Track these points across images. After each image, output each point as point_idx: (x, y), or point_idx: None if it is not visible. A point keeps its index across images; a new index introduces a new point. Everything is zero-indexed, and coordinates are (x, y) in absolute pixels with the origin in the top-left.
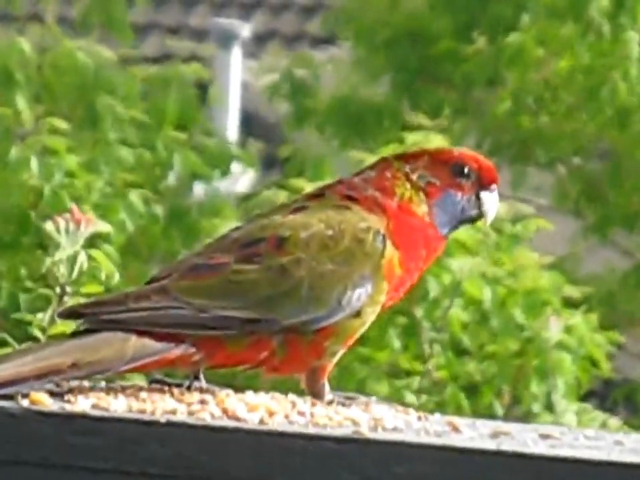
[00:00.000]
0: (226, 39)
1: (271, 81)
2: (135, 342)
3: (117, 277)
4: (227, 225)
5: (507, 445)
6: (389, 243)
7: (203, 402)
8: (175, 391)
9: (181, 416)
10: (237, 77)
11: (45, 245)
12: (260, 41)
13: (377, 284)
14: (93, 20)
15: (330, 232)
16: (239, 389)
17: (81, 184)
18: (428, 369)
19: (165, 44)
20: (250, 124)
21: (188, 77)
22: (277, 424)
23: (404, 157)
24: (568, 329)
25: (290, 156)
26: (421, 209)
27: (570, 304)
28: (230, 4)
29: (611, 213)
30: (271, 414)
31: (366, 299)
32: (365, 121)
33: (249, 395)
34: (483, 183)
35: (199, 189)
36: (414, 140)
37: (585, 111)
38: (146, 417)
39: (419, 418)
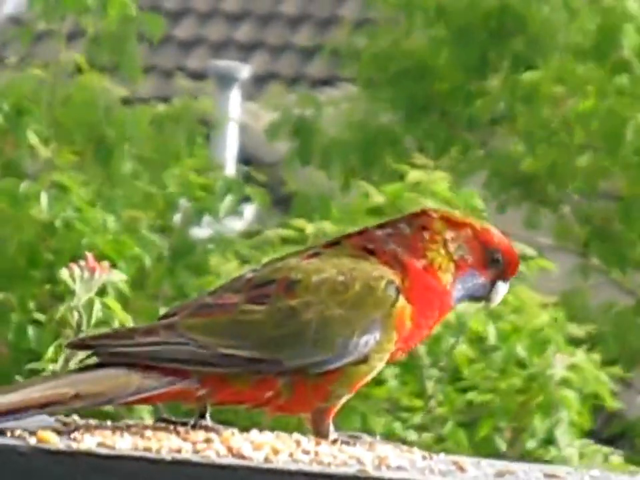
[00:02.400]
0: (225, 81)
1: (272, 119)
2: (139, 375)
3: (131, 324)
4: (232, 261)
5: None
6: (401, 296)
7: (208, 440)
8: (180, 429)
9: (186, 454)
10: (236, 118)
11: (55, 282)
12: (259, 82)
13: (386, 332)
14: (103, 58)
15: (341, 277)
16: (243, 428)
17: (93, 219)
18: (430, 405)
19: (162, 86)
20: (249, 165)
21: (194, 114)
22: (281, 462)
23: (448, 221)
24: (572, 367)
25: (295, 196)
26: (446, 277)
27: (573, 342)
28: (229, 45)
29: (624, 253)
30: (276, 452)
31: (374, 345)
32: (372, 149)
33: (254, 433)
34: (504, 275)
35: (202, 229)
36: (415, 177)
37: (604, 151)
38: (151, 455)
39: (424, 457)
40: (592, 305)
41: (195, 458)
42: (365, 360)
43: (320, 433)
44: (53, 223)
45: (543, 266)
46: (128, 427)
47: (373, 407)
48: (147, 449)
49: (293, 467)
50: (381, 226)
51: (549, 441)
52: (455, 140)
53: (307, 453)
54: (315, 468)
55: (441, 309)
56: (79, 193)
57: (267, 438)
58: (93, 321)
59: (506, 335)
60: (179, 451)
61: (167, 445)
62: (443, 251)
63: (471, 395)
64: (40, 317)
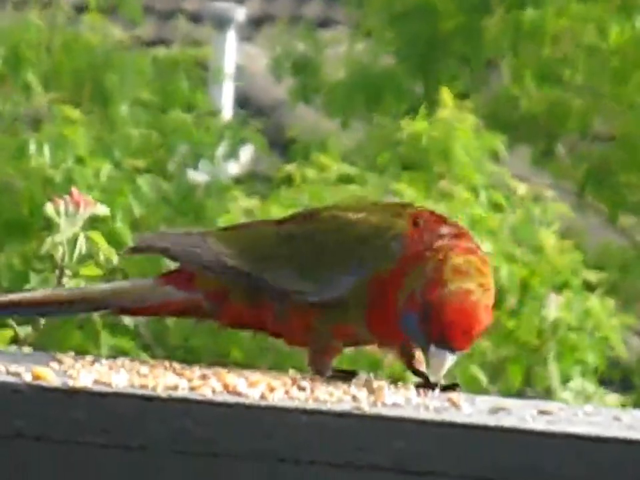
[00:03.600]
0: (221, 23)
1: (274, 55)
2: (149, 285)
3: (116, 259)
4: (231, 205)
5: (505, 421)
6: (390, 266)
7: (204, 377)
8: (177, 366)
9: (182, 391)
10: (232, 60)
11: (50, 227)
12: (255, 25)
13: (366, 281)
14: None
15: (353, 217)
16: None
17: (91, 170)
18: None
19: (159, 29)
20: (245, 107)
21: (192, 60)
22: (277, 399)
23: (451, 255)
24: (586, 312)
25: (295, 137)
26: (400, 301)
27: (587, 287)
28: None
29: (622, 197)
30: (272, 389)
31: (353, 289)
32: (374, 92)
33: (250, 371)
34: (434, 338)
35: (200, 173)
36: (443, 119)
37: (605, 90)
38: (147, 393)
39: (419, 394)
40: (589, 247)
41: (191, 395)
42: (345, 303)
43: (317, 371)
44: (54, 176)
45: (561, 211)
46: (124, 364)
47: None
48: (143, 386)
49: (289, 404)
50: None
51: (562, 388)
52: (457, 81)
53: (302, 390)
54: (311, 405)
55: (390, 324)
56: (79, 142)
57: (262, 375)
58: (77, 254)
59: (524, 278)
60: (175, 388)
61: (163, 382)
62: (414, 276)
63: (485, 345)
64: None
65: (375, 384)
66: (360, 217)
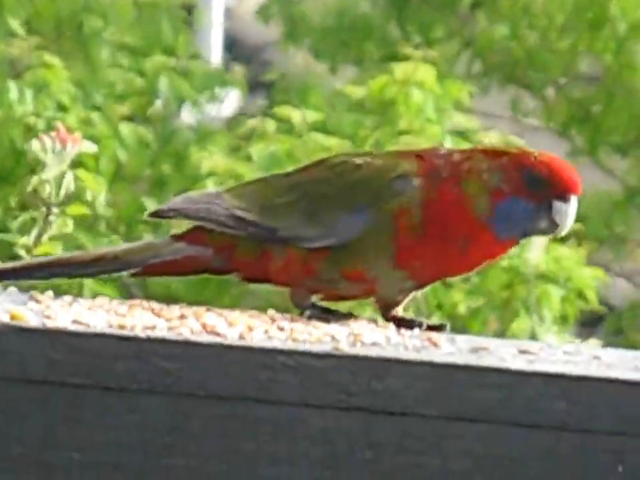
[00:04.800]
0: None
1: (260, 1)
2: (168, 241)
3: (102, 198)
4: (215, 148)
5: (485, 360)
6: (415, 200)
7: (182, 317)
8: (155, 306)
9: (161, 331)
10: (221, 3)
11: (34, 170)
12: None
13: (378, 224)
14: None
15: (359, 161)
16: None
17: (74, 117)
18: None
19: None
20: (233, 49)
21: (175, 1)
22: (256, 339)
23: (488, 153)
24: (555, 260)
25: (276, 81)
26: (479, 208)
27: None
28: None
29: (602, 136)
30: (251, 329)
31: (361, 233)
32: (352, 37)
33: (229, 311)
34: (555, 192)
35: (186, 114)
36: (403, 71)
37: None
38: (125, 333)
39: (398, 333)
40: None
41: (169, 335)
42: (351, 246)
43: (298, 305)
44: (36, 125)
45: None
46: (102, 305)
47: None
48: (122, 326)
49: (268, 344)
50: (448, 150)
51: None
52: (437, 25)
53: (281, 330)
54: (290, 345)
55: (475, 241)
56: (60, 88)
57: (241, 315)
58: (64, 193)
59: None
60: (153, 328)
61: (141, 322)
62: (477, 182)
63: (456, 297)
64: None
65: (354, 323)
66: (364, 161)
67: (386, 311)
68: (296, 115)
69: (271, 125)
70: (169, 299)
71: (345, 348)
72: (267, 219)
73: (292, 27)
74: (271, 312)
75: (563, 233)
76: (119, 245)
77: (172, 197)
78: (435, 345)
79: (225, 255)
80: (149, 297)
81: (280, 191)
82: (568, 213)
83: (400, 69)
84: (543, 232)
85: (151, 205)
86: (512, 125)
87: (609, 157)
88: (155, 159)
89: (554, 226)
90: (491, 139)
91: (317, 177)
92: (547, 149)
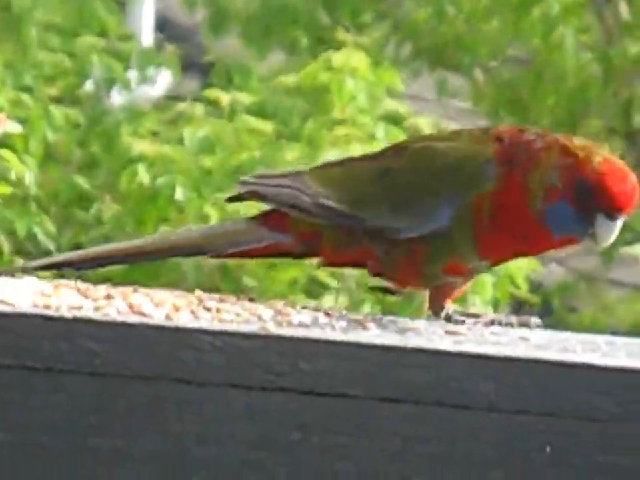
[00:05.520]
0: None
1: None
2: (247, 226)
3: (31, 178)
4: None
5: (412, 341)
6: (491, 189)
7: (109, 297)
8: (81, 286)
9: (87, 311)
10: None
11: None
12: None
13: (462, 212)
14: None
15: (443, 146)
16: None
17: (3, 98)
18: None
19: None
20: (165, 29)
21: None
22: (182, 320)
23: (564, 148)
24: None
25: (213, 63)
26: (533, 203)
27: None
28: None
29: (531, 119)
30: (177, 309)
31: (451, 221)
32: (283, 24)
33: (156, 291)
34: (601, 207)
35: (117, 95)
36: (339, 60)
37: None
38: (51, 313)
39: (326, 314)
40: None
41: (95, 315)
42: (444, 236)
43: (433, 312)
44: None
45: None
46: (28, 285)
47: (292, 286)
48: (47, 307)
49: (194, 324)
50: (537, 133)
51: None
52: (365, 9)
53: (208, 310)
54: (216, 325)
55: (534, 237)
56: None
57: (168, 295)
58: None
59: None
60: (79, 308)
61: (67, 302)
62: (539, 176)
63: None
64: None
65: (282, 304)
66: (449, 146)
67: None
68: (226, 98)
69: (199, 109)
70: (99, 279)
71: (272, 328)
72: (354, 208)
73: (217, 13)
74: (198, 292)
75: (603, 247)
76: (197, 228)
77: (103, 177)
78: (363, 326)
79: (310, 242)
80: (78, 277)
81: (366, 178)
82: (609, 230)
83: (334, 57)
84: (585, 238)
85: (82, 185)
86: (442, 108)
87: None
88: (85, 139)
89: (594, 239)
90: (421, 122)
91: (402, 164)
92: None
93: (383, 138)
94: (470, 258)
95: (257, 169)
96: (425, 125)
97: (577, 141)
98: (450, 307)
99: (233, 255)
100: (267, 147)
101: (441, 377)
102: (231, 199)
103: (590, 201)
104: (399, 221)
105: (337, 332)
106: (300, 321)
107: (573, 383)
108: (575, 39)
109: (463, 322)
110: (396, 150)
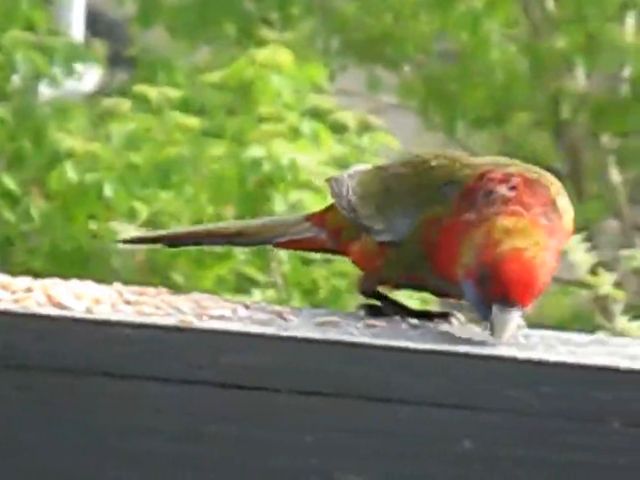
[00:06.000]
0: None
1: None
2: (298, 220)
3: None
4: (74, 124)
5: (331, 334)
6: (439, 217)
7: (29, 290)
8: (2, 278)
9: (6, 304)
10: None
11: None
12: None
13: (417, 228)
14: None
15: (434, 162)
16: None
17: None
18: (276, 280)
19: None
20: (95, 23)
21: None
22: (102, 313)
23: (494, 224)
24: None
25: (138, 58)
26: (459, 271)
27: None
28: None
29: (459, 113)
30: (97, 302)
31: (408, 235)
32: (212, 16)
33: (76, 282)
34: (495, 295)
35: (45, 90)
36: (264, 56)
37: (437, 15)
38: None
39: (246, 307)
40: None
41: (14, 307)
42: (405, 248)
43: (362, 290)
44: None
45: (385, 140)
46: None
47: (220, 282)
48: None
49: (114, 317)
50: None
51: None
52: (294, 2)
53: (128, 303)
54: (136, 318)
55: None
56: None
57: (88, 288)
58: None
59: None
60: None
61: None
62: (466, 246)
63: (317, 273)
64: None
65: (202, 297)
66: (439, 163)
67: None
68: (153, 93)
69: (126, 104)
70: (29, 273)
71: (192, 321)
72: (359, 205)
73: (145, 6)
74: (118, 285)
75: (500, 340)
76: (261, 219)
77: (31, 173)
78: (283, 318)
79: (336, 237)
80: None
81: (376, 179)
82: (503, 322)
83: (259, 54)
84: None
85: (9, 181)
86: (371, 102)
87: (466, 133)
88: (12, 134)
89: (490, 329)
90: (348, 118)
91: (400, 171)
92: (405, 126)
93: (308, 133)
94: (425, 274)
95: (183, 165)
96: (351, 119)
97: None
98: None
99: (283, 245)
100: (193, 142)
101: (360, 370)
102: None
103: (487, 287)
104: (376, 223)
105: (256, 324)
106: (220, 313)
107: (492, 375)
108: (501, 33)
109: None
110: (410, 159)
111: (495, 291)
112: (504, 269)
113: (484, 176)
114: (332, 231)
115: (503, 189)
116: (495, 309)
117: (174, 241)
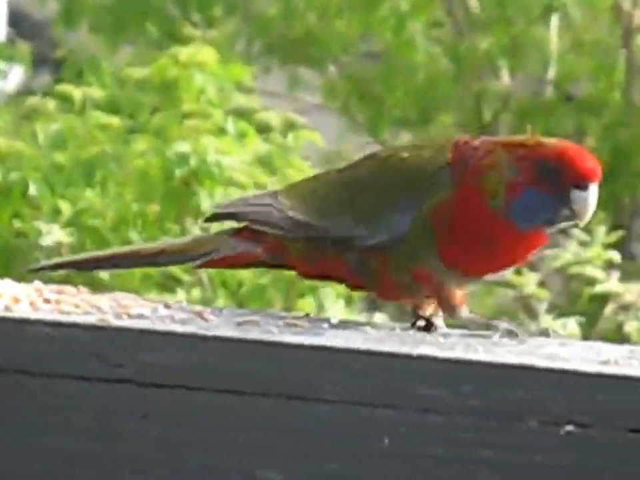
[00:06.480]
0: None
1: None
2: (223, 237)
3: None
4: None
5: (250, 333)
6: (447, 196)
7: None
8: None
9: None
10: None
11: None
12: None
13: (421, 219)
14: None
15: (404, 155)
16: None
17: None
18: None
19: None
20: (19, 25)
21: None
22: (21, 311)
23: (508, 146)
24: None
25: (64, 58)
26: (497, 202)
27: None
28: None
29: (382, 113)
30: (17, 301)
31: (409, 230)
32: (135, 17)
33: None
34: (571, 181)
35: None
36: (187, 55)
37: (361, 16)
38: None
39: (167, 306)
40: None
41: None
42: (405, 244)
43: (450, 314)
44: None
45: (310, 138)
46: None
47: (145, 281)
48: None
49: (33, 316)
50: (483, 140)
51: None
52: (216, 3)
53: (48, 302)
54: (56, 317)
55: (500, 237)
56: None
57: (7, 286)
58: None
59: None
60: None
61: None
62: (494, 176)
63: (243, 274)
64: None
65: (122, 296)
66: (408, 155)
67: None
68: (77, 93)
69: (51, 104)
70: None
71: (111, 320)
72: (320, 219)
73: (68, 6)
74: (38, 284)
75: (584, 222)
76: (184, 238)
77: None
78: (203, 318)
79: (277, 254)
80: None
81: (331, 188)
82: (587, 201)
83: (182, 52)
84: (566, 221)
85: None
86: (295, 103)
87: (390, 133)
88: None
89: (574, 215)
90: (272, 118)
91: (365, 172)
92: (329, 126)
93: (233, 132)
94: (434, 267)
95: (107, 164)
96: (275, 119)
97: (513, 137)
98: (465, 308)
99: (212, 263)
100: (117, 141)
101: (280, 369)
102: (208, 220)
103: (559, 179)
104: (359, 230)
105: (176, 324)
106: (139, 312)
107: (412, 375)
108: (425, 34)
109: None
110: (363, 159)
111: (571, 176)
112: (570, 156)
113: (457, 144)
114: (270, 249)
115: (476, 143)
116: (574, 193)
117: (94, 265)
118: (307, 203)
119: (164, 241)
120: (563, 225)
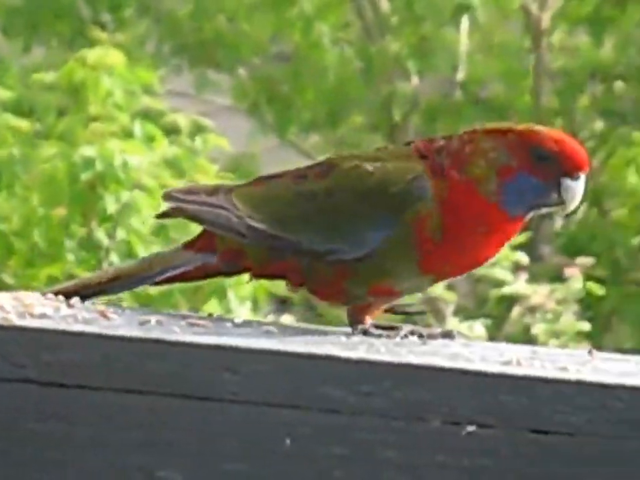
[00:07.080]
0: None
1: None
2: (177, 251)
3: None
4: None
5: (152, 332)
6: (431, 203)
7: None
8: None
9: None
10: None
11: None
12: None
13: (399, 232)
14: None
15: (371, 168)
16: None
17: None
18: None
19: None
20: None
21: None
22: None
23: (492, 132)
24: None
25: None
26: (487, 188)
27: None
28: None
29: (291, 114)
30: None
31: (384, 244)
32: (46, 18)
33: None
34: (563, 169)
35: None
36: (95, 57)
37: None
38: None
39: (69, 306)
40: (268, 169)
41: None
42: (375, 259)
43: (353, 328)
44: None
45: (217, 143)
46: None
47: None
48: None
49: None
50: (444, 137)
51: None
52: (126, 5)
53: None
54: None
55: (493, 225)
56: None
57: None
58: None
59: None
60: None
61: None
62: (482, 162)
63: None
64: None
65: (24, 295)
66: (377, 167)
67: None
68: None
69: None
70: None
71: (14, 319)
72: (287, 231)
73: None
74: None
75: (569, 211)
76: (135, 260)
77: None
78: (106, 317)
79: (234, 260)
80: None
81: (293, 198)
82: (576, 190)
83: (90, 55)
84: (550, 207)
85: None
86: (205, 105)
87: (300, 135)
88: None
89: (562, 203)
90: (180, 119)
91: (330, 184)
92: (238, 128)
93: (140, 134)
94: (404, 278)
95: (14, 166)
96: (183, 122)
97: (494, 125)
98: (368, 322)
99: (168, 281)
100: (24, 144)
101: (182, 368)
102: (161, 215)
103: (552, 166)
104: (335, 244)
105: (79, 323)
106: (42, 312)
107: (314, 375)
108: (334, 36)
109: (379, 336)
110: (322, 169)
111: (563, 166)
112: (565, 145)
113: (419, 149)
114: (227, 256)
115: (440, 142)
116: (565, 182)
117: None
118: (266, 211)
119: (114, 267)
120: (545, 211)
